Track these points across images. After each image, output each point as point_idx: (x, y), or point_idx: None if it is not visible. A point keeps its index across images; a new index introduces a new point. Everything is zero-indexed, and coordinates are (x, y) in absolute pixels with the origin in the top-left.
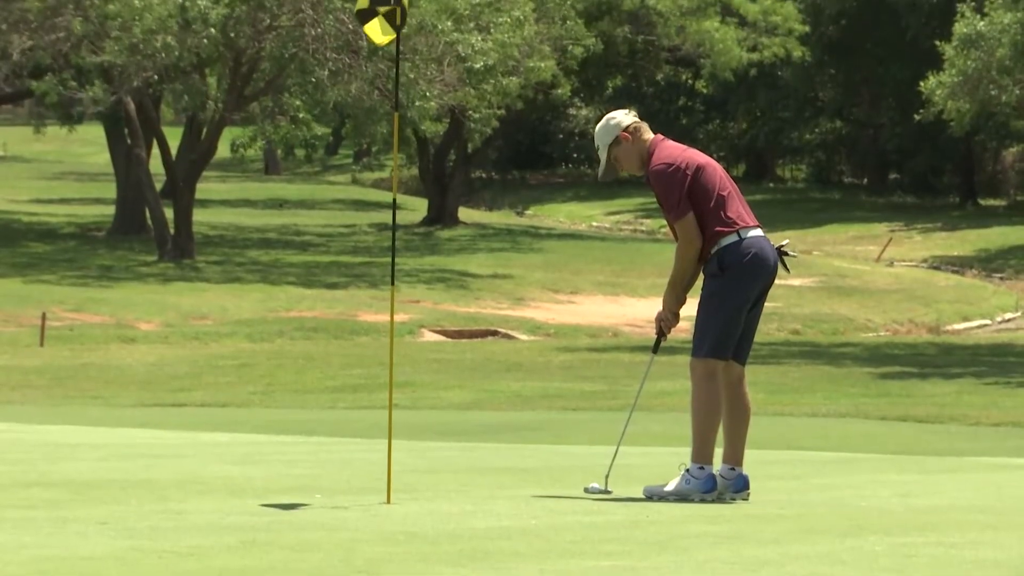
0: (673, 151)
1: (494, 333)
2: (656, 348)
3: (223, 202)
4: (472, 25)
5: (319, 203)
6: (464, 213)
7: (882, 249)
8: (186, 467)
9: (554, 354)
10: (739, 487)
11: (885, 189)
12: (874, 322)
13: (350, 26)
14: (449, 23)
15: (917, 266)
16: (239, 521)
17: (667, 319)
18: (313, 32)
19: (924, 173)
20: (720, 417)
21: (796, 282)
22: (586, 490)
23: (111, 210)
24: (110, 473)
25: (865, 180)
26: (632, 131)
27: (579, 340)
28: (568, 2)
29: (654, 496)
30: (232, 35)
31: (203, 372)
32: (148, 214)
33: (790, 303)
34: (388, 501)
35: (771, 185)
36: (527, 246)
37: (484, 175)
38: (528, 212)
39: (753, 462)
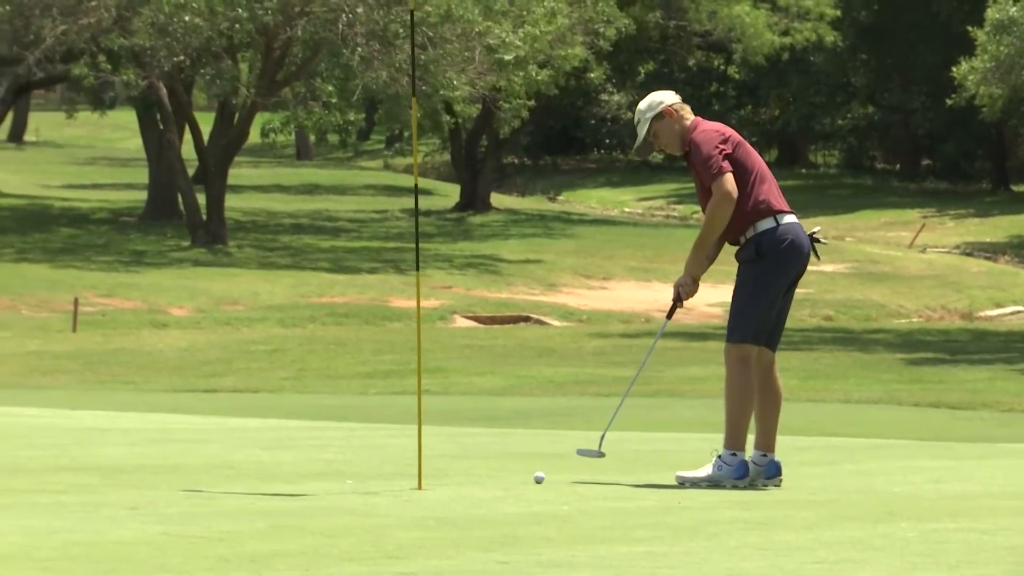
0: (714, 125)
1: (526, 319)
2: (671, 314)
3: (255, 187)
4: (505, 19)
5: (351, 188)
6: (496, 198)
7: (914, 235)
8: (217, 452)
9: (586, 340)
10: (771, 473)
11: (917, 175)
12: (906, 308)
13: (381, 12)
14: (478, 14)
15: (949, 252)
16: (270, 506)
17: (687, 285)
18: (345, 18)
19: (956, 159)
20: (753, 404)
21: (828, 268)
22: (578, 452)
23: (143, 195)
24: (141, 458)
25: (897, 166)
26: (676, 109)
27: (611, 326)
28: None
29: (686, 482)
30: (263, 17)
31: (234, 358)
32: (180, 199)
33: (822, 289)
34: (419, 487)
35: (803, 171)
36: (559, 232)
37: (516, 160)
38: (560, 198)
39: (785, 448)
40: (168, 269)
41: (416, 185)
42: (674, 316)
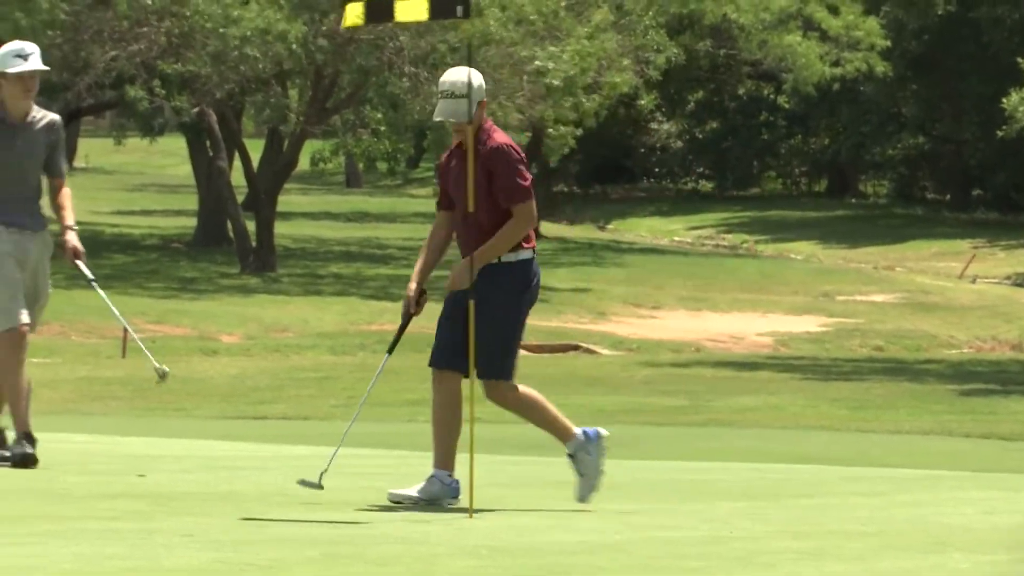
0: (509, 138)
1: (576, 347)
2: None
3: (304, 215)
4: (545, 37)
5: (400, 216)
6: (545, 227)
7: (965, 266)
8: (268, 480)
9: (636, 369)
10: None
11: (968, 205)
12: (957, 339)
13: (428, 39)
14: (515, 34)
15: (1000, 283)
16: (321, 534)
17: (415, 300)
18: (392, 45)
19: (1007, 189)
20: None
21: (879, 298)
22: (299, 483)
23: (193, 222)
24: (193, 485)
25: (948, 196)
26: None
27: (661, 355)
28: (649, 14)
29: (403, 500)
30: (316, 55)
31: (285, 385)
32: (230, 226)
33: (872, 319)
34: (470, 515)
35: (853, 201)
36: (609, 260)
37: (566, 189)
38: (610, 226)
39: (836, 479)
40: (218, 296)
41: (472, 211)
42: (717, 345)
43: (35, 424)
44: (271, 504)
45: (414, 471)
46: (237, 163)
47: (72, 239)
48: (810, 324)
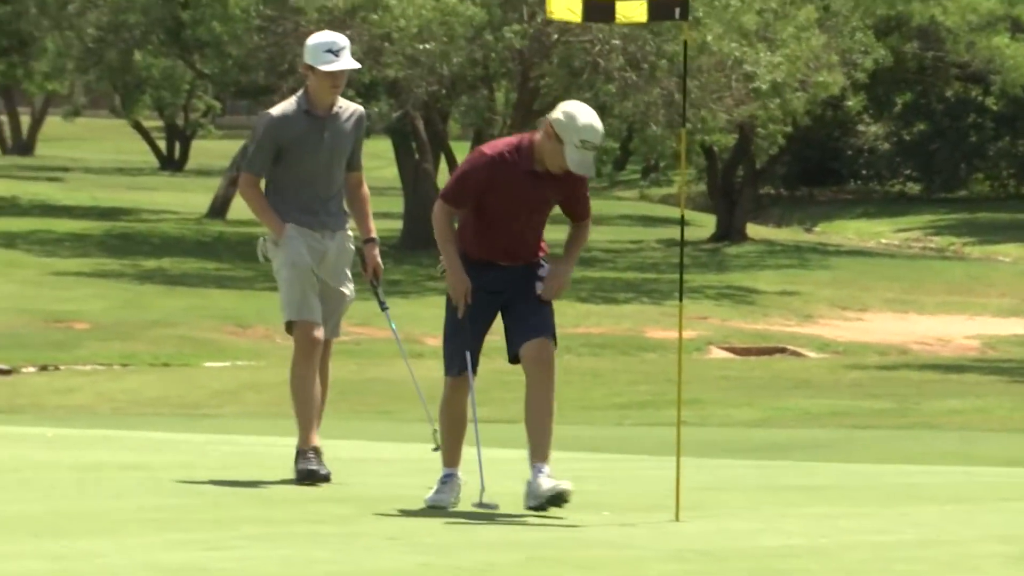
0: None
1: (782, 350)
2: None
3: None
4: (760, 42)
5: (606, 219)
6: (752, 229)
7: None
8: (474, 483)
9: (843, 371)
10: None
11: None
12: None
13: (638, 44)
14: (735, 44)
15: None
16: (527, 537)
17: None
18: (599, 48)
19: None
20: None
21: None
22: (475, 505)
23: (398, 224)
24: (398, 489)
25: None
26: None
27: (868, 357)
28: (856, 16)
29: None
30: (512, 41)
31: (490, 388)
32: None
33: None
34: (677, 518)
35: None
36: (815, 263)
37: (772, 191)
38: (816, 228)
39: None
40: (423, 298)
41: (683, 216)
42: (924, 348)
43: (243, 427)
44: (477, 508)
45: (623, 475)
46: (443, 166)
47: (375, 255)
48: (1018, 327)
